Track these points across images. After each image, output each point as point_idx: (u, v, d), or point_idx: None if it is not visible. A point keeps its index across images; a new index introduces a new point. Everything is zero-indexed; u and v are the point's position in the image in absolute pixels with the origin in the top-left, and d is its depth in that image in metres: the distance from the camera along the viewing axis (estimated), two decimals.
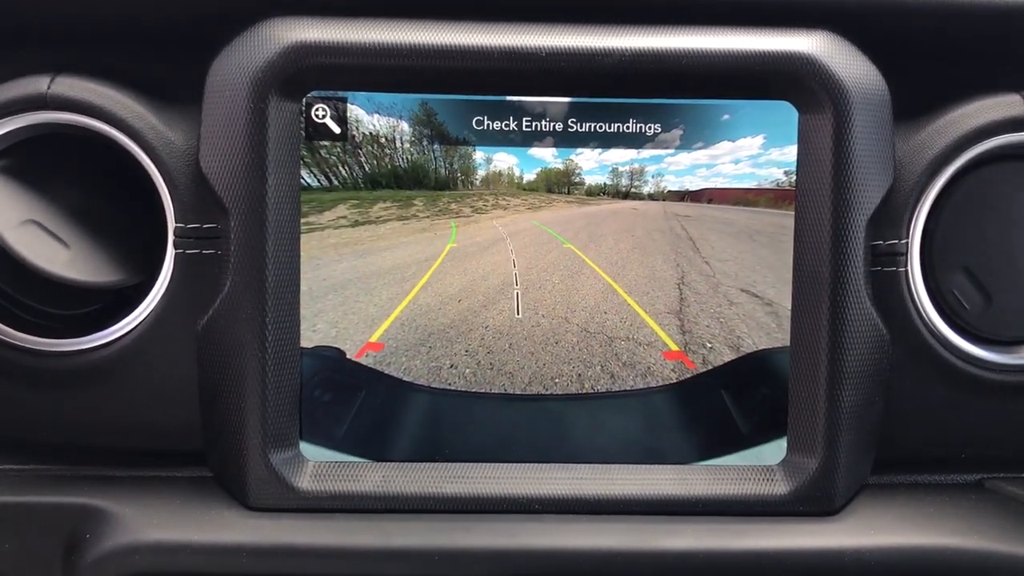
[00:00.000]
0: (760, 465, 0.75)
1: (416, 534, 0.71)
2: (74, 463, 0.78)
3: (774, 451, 0.75)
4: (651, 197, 0.75)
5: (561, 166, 0.75)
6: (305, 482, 0.73)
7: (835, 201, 0.71)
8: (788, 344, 0.74)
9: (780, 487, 0.74)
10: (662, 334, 0.75)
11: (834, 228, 0.71)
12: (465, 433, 0.75)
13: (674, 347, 0.75)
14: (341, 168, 0.73)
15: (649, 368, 0.75)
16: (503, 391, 0.75)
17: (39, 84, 0.72)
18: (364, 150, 0.74)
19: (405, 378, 0.75)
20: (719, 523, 0.73)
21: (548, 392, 0.75)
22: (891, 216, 0.74)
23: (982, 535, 0.73)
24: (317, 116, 0.72)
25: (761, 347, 0.75)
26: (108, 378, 0.74)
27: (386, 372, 0.74)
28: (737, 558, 0.71)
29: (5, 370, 0.74)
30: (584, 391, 0.75)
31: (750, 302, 0.75)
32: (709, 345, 0.75)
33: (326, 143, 0.73)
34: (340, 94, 0.72)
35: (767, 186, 0.74)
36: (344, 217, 0.74)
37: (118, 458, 0.78)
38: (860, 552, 0.72)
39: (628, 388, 0.75)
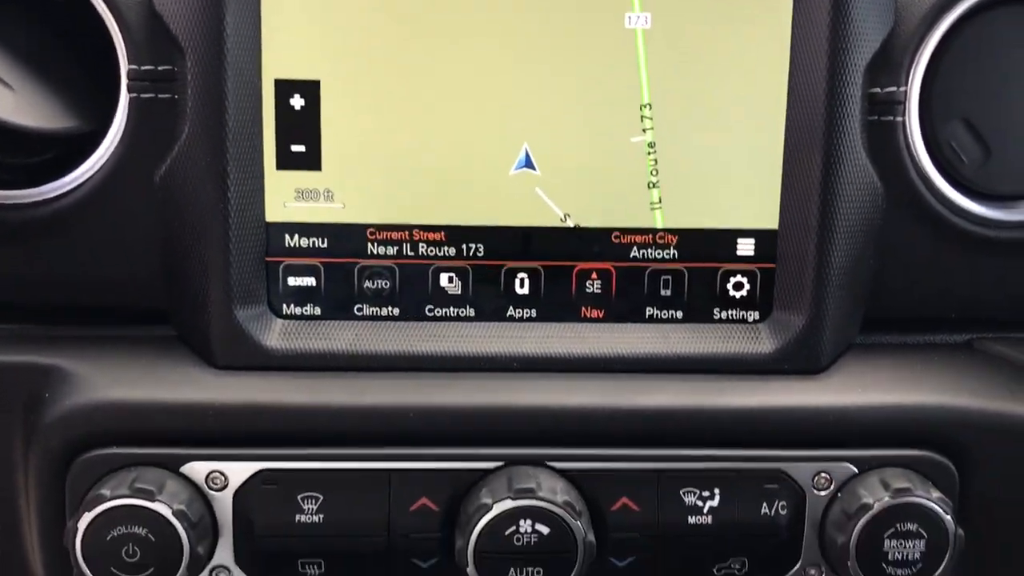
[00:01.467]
0: (745, 323, 0.73)
1: (389, 392, 0.69)
2: (32, 322, 0.74)
3: None
4: None
5: None
6: (273, 340, 0.70)
7: (832, 44, 0.67)
8: None
9: (765, 345, 0.72)
10: None
11: (830, 73, 0.68)
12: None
13: None
14: None
15: None
16: None
17: None
18: None
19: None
20: (702, 380, 0.71)
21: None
22: (890, 63, 0.70)
23: (970, 393, 0.72)
24: None
25: None
26: (65, 231, 0.71)
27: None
28: (719, 415, 0.69)
29: None
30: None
31: None
32: None
33: None
34: None
35: None
36: None
37: (78, 317, 0.74)
38: (844, 410, 0.70)
39: None
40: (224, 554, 0.69)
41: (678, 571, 0.71)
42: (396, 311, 0.73)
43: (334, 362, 0.71)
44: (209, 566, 0.69)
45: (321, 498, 0.68)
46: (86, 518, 0.64)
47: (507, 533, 0.65)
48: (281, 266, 0.71)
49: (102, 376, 0.69)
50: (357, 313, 0.73)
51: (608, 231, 0.72)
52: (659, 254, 0.72)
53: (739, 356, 0.72)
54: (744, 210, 0.72)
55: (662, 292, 0.73)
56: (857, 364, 0.74)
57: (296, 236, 0.71)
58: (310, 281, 0.72)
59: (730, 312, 0.74)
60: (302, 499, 0.68)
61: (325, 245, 0.71)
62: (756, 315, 0.74)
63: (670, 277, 0.73)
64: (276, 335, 0.71)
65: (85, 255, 0.71)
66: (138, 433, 0.67)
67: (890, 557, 0.68)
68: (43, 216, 0.70)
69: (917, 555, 0.68)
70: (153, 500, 0.64)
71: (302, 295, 0.72)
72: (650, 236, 0.72)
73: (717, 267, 0.73)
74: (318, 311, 0.72)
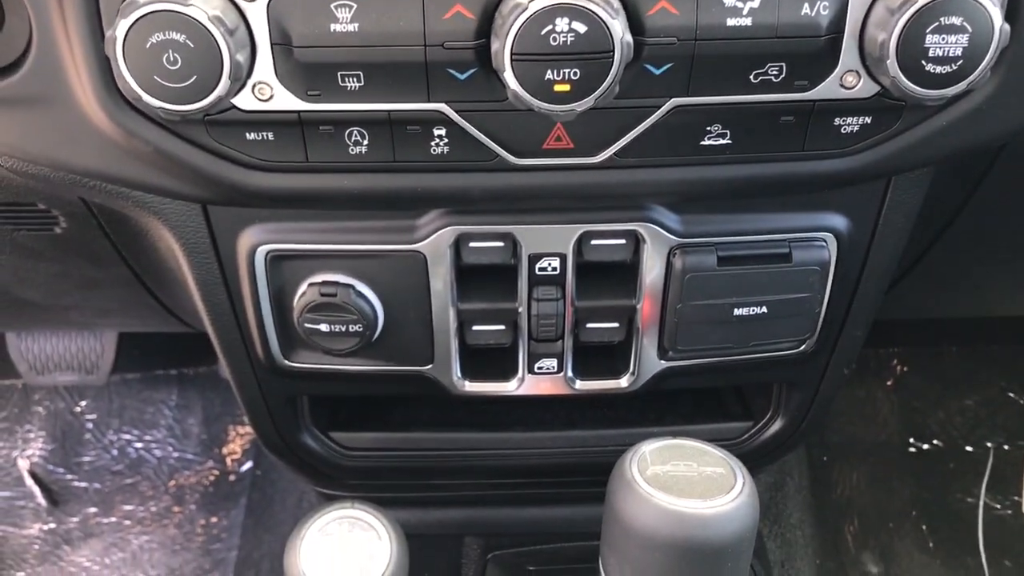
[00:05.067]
0: None
1: None
2: None
3: None
4: None
5: None
6: None
7: None
8: None
9: None
10: None
11: None
12: None
13: None
14: None
15: None
16: None
17: None
18: None
19: None
20: None
21: None
22: None
23: None
24: None
25: None
26: None
27: None
28: None
29: None
30: None
31: None
32: None
33: None
34: None
35: None
36: None
37: None
38: None
39: None
40: (264, 70, 0.69)
41: (715, 78, 0.71)
42: None
43: None
44: (251, 82, 0.70)
45: (355, 6, 0.67)
46: (123, 25, 0.64)
47: (543, 32, 0.65)
48: None
49: None
50: None
51: None
52: None
53: None
54: None
55: None
56: None
57: None
58: None
59: None
60: (335, 7, 0.67)
61: None
62: None
63: None
64: None
65: None
66: None
67: (931, 54, 0.67)
68: None
69: (959, 51, 0.67)
70: (187, 5, 0.64)
71: None
72: None
73: None
74: None
